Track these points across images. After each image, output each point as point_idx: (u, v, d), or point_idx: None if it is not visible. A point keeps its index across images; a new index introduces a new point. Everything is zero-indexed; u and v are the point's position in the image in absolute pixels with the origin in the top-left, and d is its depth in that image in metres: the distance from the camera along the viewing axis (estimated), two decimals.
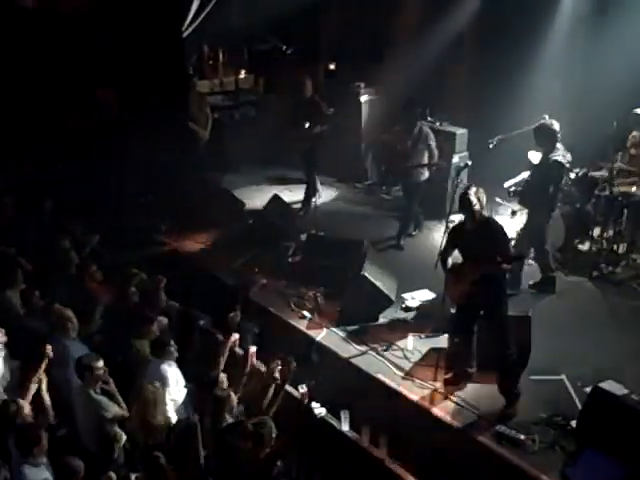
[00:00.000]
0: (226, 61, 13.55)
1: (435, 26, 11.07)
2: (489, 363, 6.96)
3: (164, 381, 6.41)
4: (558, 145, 8.29)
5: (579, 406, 6.57)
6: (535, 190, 8.37)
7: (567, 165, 8.50)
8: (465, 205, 6.66)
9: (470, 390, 7.06)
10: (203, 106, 11.33)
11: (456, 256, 6.98)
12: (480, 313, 6.88)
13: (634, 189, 9.08)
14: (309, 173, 10.88)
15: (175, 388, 6.51)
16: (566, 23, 10.51)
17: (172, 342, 6.69)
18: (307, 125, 10.37)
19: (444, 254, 7.00)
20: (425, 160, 9.67)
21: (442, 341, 7.62)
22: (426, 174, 9.76)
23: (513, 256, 6.88)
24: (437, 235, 9.54)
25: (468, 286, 6.67)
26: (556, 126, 8.28)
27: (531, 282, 8.71)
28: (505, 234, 6.83)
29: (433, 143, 9.69)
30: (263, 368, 7.01)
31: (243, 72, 13.54)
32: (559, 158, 8.23)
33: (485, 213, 6.83)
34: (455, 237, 6.92)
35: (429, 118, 11.02)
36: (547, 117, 9.66)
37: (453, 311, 7.31)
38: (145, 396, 6.19)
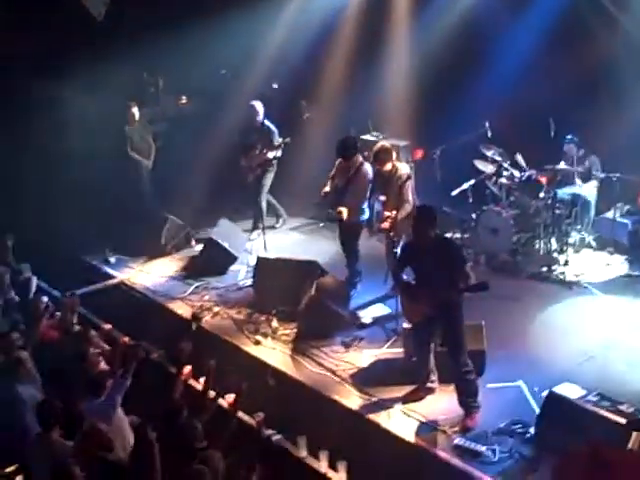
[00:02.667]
0: (166, 87, 13.41)
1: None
2: (447, 376, 6.90)
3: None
4: None
5: (537, 412, 6.55)
6: None
7: None
8: (421, 223, 6.53)
9: (429, 404, 6.98)
10: (145, 135, 11.21)
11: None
12: (436, 329, 6.82)
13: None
14: (257, 199, 10.55)
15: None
16: None
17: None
18: (257, 152, 10.22)
19: (396, 271, 6.91)
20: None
21: (398, 356, 7.56)
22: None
23: (476, 285, 6.39)
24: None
25: (424, 307, 6.57)
26: None
27: None
28: (463, 257, 6.72)
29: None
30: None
31: (184, 97, 13.43)
32: None
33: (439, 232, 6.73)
34: (408, 256, 6.81)
35: (373, 133, 11.05)
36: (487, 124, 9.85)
37: (407, 326, 7.28)
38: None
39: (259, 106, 10.30)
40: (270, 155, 10.21)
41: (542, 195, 9.50)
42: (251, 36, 11.43)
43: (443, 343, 6.89)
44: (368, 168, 8.45)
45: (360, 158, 8.52)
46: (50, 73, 11.14)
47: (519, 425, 6.51)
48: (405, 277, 6.89)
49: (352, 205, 8.42)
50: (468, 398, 6.71)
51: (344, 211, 8.38)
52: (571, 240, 9.46)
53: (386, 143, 8.68)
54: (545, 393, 6.52)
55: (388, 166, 8.27)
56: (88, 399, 6.25)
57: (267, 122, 10.30)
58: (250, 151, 10.30)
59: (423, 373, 7.02)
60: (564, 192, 9.49)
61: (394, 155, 8.41)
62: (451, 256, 6.54)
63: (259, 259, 9.29)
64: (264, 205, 10.50)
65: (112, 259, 10.23)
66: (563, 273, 9.08)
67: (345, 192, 8.47)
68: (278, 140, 10.17)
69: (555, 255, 9.34)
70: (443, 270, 6.45)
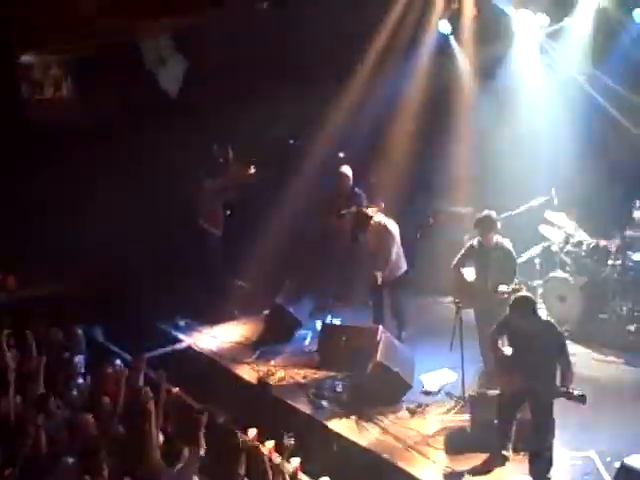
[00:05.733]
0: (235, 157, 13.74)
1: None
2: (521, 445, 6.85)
3: None
4: None
5: None
6: None
7: None
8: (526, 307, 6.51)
9: (495, 473, 6.85)
10: (216, 204, 11.49)
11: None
12: (524, 402, 6.75)
13: None
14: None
15: None
16: None
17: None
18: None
19: (494, 336, 6.85)
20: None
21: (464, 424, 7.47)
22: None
23: (575, 397, 6.24)
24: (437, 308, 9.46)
25: (517, 384, 6.55)
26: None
27: None
28: (567, 353, 6.59)
29: None
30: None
31: (252, 167, 13.71)
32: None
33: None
34: (509, 327, 6.72)
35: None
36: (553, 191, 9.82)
37: (473, 394, 7.25)
38: None
39: (349, 172, 10.56)
40: None
41: (611, 262, 9.35)
42: (320, 105, 11.72)
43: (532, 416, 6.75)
44: None
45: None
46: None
47: None
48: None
49: None
50: (543, 473, 6.58)
51: None
52: None
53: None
54: (617, 464, 6.35)
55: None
56: None
57: (356, 188, 10.55)
58: (341, 214, 10.44)
59: (501, 443, 6.91)
60: (634, 258, 9.31)
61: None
62: (552, 345, 6.48)
63: (324, 325, 9.37)
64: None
65: (182, 323, 10.44)
66: (633, 341, 8.87)
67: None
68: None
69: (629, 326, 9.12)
70: (546, 357, 6.42)
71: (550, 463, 6.59)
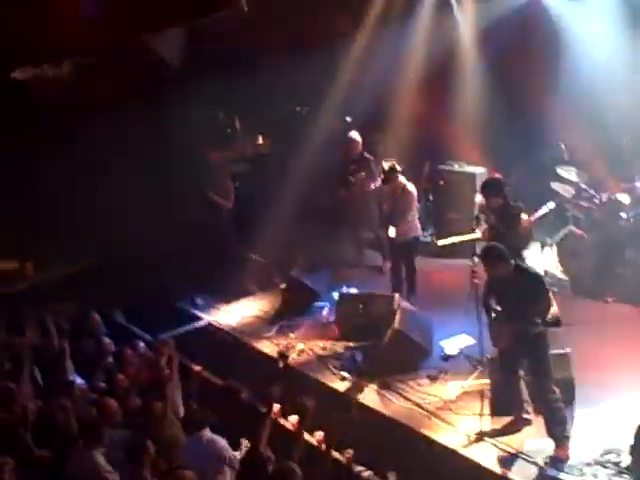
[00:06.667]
0: (242, 128, 13.68)
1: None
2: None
3: None
4: None
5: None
6: None
7: None
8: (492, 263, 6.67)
9: (517, 435, 6.93)
10: (224, 177, 11.47)
11: None
12: (521, 357, 6.80)
13: None
14: (376, 230, 10.67)
15: None
16: None
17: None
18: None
19: (485, 298, 6.98)
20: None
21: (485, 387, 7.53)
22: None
23: (549, 322, 6.69)
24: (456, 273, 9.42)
25: (506, 338, 6.64)
26: None
27: None
28: (541, 289, 6.68)
29: None
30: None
31: (261, 137, 13.66)
32: None
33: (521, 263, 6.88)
34: (493, 284, 6.85)
35: (449, 162, 11.09)
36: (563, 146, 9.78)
37: (492, 356, 7.29)
38: None
39: (358, 137, 10.51)
40: (374, 185, 10.40)
41: (624, 215, 9.32)
42: (324, 73, 11.63)
43: (528, 372, 6.86)
44: None
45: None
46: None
47: (612, 454, 6.41)
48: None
49: None
50: (557, 427, 6.63)
51: None
52: None
53: None
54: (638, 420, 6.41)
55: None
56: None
57: (365, 153, 10.51)
58: (350, 182, 10.47)
59: (516, 402, 6.97)
60: None
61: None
62: (528, 288, 6.57)
63: (340, 295, 9.42)
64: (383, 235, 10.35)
65: (199, 301, 10.50)
66: None
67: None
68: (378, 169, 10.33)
69: None
70: (521, 302, 6.49)
71: (563, 420, 6.62)
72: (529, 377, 6.88)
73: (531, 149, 10.24)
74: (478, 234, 8.39)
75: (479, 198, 9.12)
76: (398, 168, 9.30)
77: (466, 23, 11.03)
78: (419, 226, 9.57)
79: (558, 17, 10.30)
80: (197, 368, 8.47)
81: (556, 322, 6.66)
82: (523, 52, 10.55)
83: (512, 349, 6.71)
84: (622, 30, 9.65)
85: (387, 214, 9.45)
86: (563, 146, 9.94)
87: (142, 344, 8.46)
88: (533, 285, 6.67)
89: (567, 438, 6.62)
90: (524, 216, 8.35)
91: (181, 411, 7.19)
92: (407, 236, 9.34)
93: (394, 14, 11.01)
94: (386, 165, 9.44)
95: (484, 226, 8.33)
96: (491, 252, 6.76)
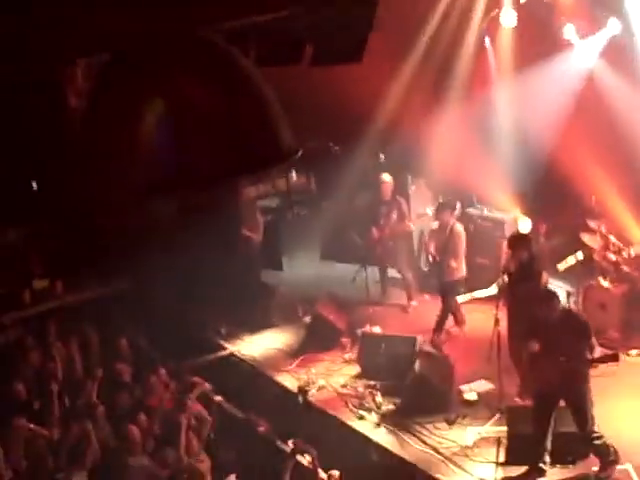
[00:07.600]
0: None
1: None
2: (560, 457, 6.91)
3: None
4: None
5: None
6: None
7: None
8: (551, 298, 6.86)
9: None
10: (254, 211, 11.64)
11: None
12: (559, 400, 6.87)
13: None
14: (403, 271, 10.80)
15: None
16: None
17: None
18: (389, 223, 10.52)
19: (518, 346, 7.18)
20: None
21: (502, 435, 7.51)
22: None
23: (607, 356, 6.80)
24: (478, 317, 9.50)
25: (551, 377, 6.70)
26: None
27: None
28: (590, 328, 6.82)
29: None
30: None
31: (294, 172, 13.81)
32: None
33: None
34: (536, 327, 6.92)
35: (477, 205, 11.13)
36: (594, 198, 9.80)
37: (512, 405, 7.32)
38: None
39: (390, 180, 10.66)
40: (408, 226, 10.55)
41: None
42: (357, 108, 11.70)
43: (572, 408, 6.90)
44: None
45: None
46: None
47: None
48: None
49: None
50: (607, 458, 6.77)
51: None
52: None
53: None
54: None
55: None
56: None
57: (397, 195, 10.66)
58: (381, 224, 10.57)
59: (538, 449, 6.95)
60: None
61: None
62: (580, 327, 6.73)
63: (364, 334, 9.49)
64: (409, 275, 10.70)
65: (223, 330, 10.61)
66: None
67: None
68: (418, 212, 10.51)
69: None
70: (571, 340, 6.64)
71: (608, 450, 6.75)
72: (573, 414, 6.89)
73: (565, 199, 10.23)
74: (494, 289, 8.52)
75: None
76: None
77: None
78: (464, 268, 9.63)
79: None
80: (218, 398, 8.59)
81: (613, 357, 6.68)
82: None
83: (554, 391, 6.79)
84: None
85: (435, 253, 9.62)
86: (594, 199, 9.93)
87: (164, 370, 8.59)
88: (585, 323, 6.84)
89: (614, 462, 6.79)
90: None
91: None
92: (456, 276, 9.51)
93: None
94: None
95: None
96: (550, 294, 6.98)
